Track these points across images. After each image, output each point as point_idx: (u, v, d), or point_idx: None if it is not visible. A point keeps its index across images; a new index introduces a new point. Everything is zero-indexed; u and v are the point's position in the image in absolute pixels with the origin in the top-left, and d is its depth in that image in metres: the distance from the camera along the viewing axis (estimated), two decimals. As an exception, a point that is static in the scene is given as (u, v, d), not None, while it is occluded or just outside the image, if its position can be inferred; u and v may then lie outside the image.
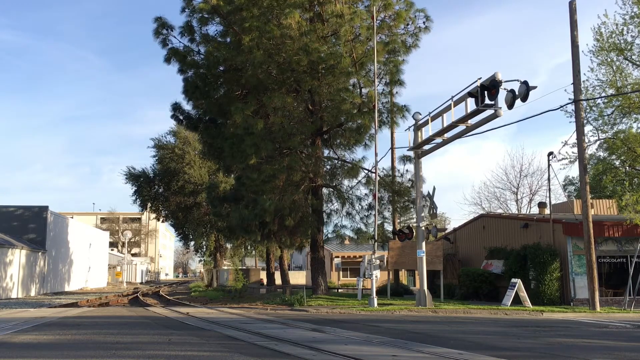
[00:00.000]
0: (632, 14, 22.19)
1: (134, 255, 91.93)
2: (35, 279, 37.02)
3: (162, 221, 56.97)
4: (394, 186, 24.90)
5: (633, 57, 22.58)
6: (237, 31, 22.45)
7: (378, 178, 21.69)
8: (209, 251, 55.90)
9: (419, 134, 20.57)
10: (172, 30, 24.24)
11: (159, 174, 49.60)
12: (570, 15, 20.35)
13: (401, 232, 22.05)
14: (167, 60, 24.31)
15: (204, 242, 54.88)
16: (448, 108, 18.36)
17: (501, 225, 26.73)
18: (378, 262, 20.99)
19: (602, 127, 23.51)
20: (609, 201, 27.74)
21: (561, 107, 21.50)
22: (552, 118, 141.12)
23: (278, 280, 38.07)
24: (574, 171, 52.86)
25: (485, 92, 16.02)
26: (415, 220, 23.21)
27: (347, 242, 31.40)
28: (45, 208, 39.25)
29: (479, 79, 16.12)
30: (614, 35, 22.62)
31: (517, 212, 40.13)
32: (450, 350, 8.84)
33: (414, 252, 21.14)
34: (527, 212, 39.53)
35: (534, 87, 15.32)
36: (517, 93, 15.27)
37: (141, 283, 78.88)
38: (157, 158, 50.08)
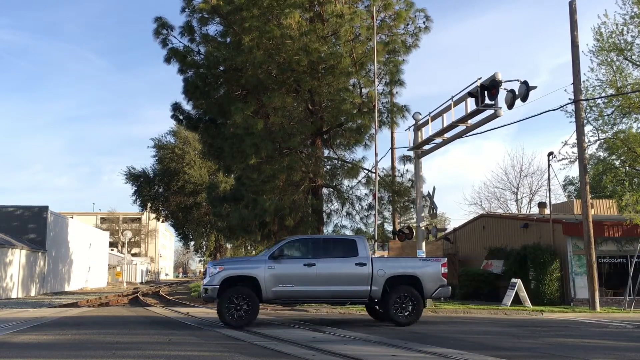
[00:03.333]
0: (632, 14, 22.21)
1: (133, 255, 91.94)
2: (35, 279, 37.02)
3: (162, 221, 57.03)
4: (394, 186, 24.89)
5: (633, 57, 22.59)
6: (237, 31, 22.44)
7: (378, 178, 21.69)
8: (209, 251, 55.99)
9: (419, 134, 20.57)
10: (172, 30, 24.24)
11: (159, 174, 49.64)
12: (570, 15, 20.36)
13: (401, 232, 22.05)
14: (167, 60, 24.30)
15: (204, 242, 54.94)
16: (448, 108, 18.36)
17: (501, 225, 26.73)
18: (378, 262, 20.95)
19: (602, 127, 23.54)
20: (609, 201, 27.74)
21: (561, 107, 21.55)
22: (552, 118, 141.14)
23: (278, 280, 37.98)
24: (574, 171, 52.85)
25: (485, 92, 16.02)
26: (415, 220, 23.21)
27: (347, 242, 31.35)
28: (45, 208, 39.25)
29: (479, 79, 16.12)
30: (614, 35, 22.64)
31: (517, 212, 40.12)
32: (450, 350, 8.84)
33: (414, 252, 21.13)
34: (527, 212, 39.52)
35: (534, 87, 15.32)
36: (517, 93, 15.27)
37: (141, 283, 78.89)
38: (157, 158, 50.14)
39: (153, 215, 61.53)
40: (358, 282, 12.90)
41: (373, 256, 13.53)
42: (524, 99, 15.23)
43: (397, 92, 24.42)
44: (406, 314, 12.94)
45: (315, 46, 20.90)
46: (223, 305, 12.29)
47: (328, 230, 25.68)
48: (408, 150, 22.06)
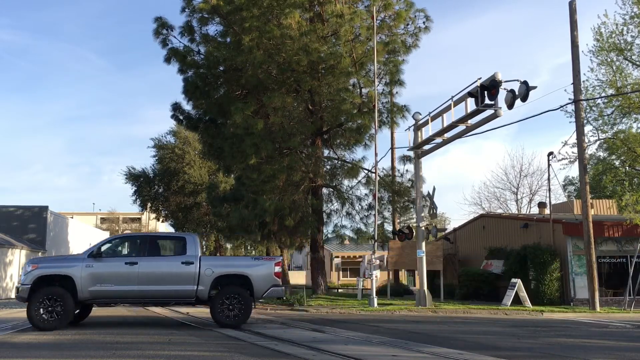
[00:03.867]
0: (632, 14, 22.19)
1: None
2: (35, 279, 37.03)
3: (162, 221, 56.94)
4: (394, 186, 24.90)
5: (633, 57, 22.58)
6: (237, 31, 22.45)
7: (378, 178, 21.70)
8: (208, 251, 55.92)
9: (419, 134, 20.57)
10: (172, 30, 24.25)
11: (159, 174, 49.56)
12: (570, 15, 20.37)
13: (401, 232, 22.06)
14: (167, 60, 24.31)
15: (204, 242, 54.88)
16: (448, 108, 18.36)
17: (501, 225, 26.73)
18: (378, 262, 20.99)
19: (602, 127, 23.52)
20: (609, 201, 27.73)
21: (561, 107, 21.54)
22: (552, 118, 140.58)
23: (278, 280, 37.92)
24: (574, 171, 52.87)
25: (485, 92, 16.02)
26: (415, 220, 23.22)
27: (347, 242, 31.40)
28: (45, 208, 39.26)
29: (479, 79, 16.11)
30: (614, 36, 22.62)
31: (517, 212, 40.11)
32: (450, 350, 8.85)
33: (414, 252, 21.14)
34: (527, 212, 39.51)
35: (534, 87, 15.31)
36: (517, 93, 15.26)
37: (141, 283, 78.79)
38: (157, 158, 50.04)
39: (153, 215, 61.39)
40: (183, 282, 12.32)
41: (202, 255, 12.87)
42: (524, 99, 15.22)
43: (397, 92, 24.48)
44: (232, 314, 12.35)
45: (315, 46, 20.91)
46: (32, 307, 11.53)
47: (328, 230, 25.72)
48: (408, 150, 22.07)
